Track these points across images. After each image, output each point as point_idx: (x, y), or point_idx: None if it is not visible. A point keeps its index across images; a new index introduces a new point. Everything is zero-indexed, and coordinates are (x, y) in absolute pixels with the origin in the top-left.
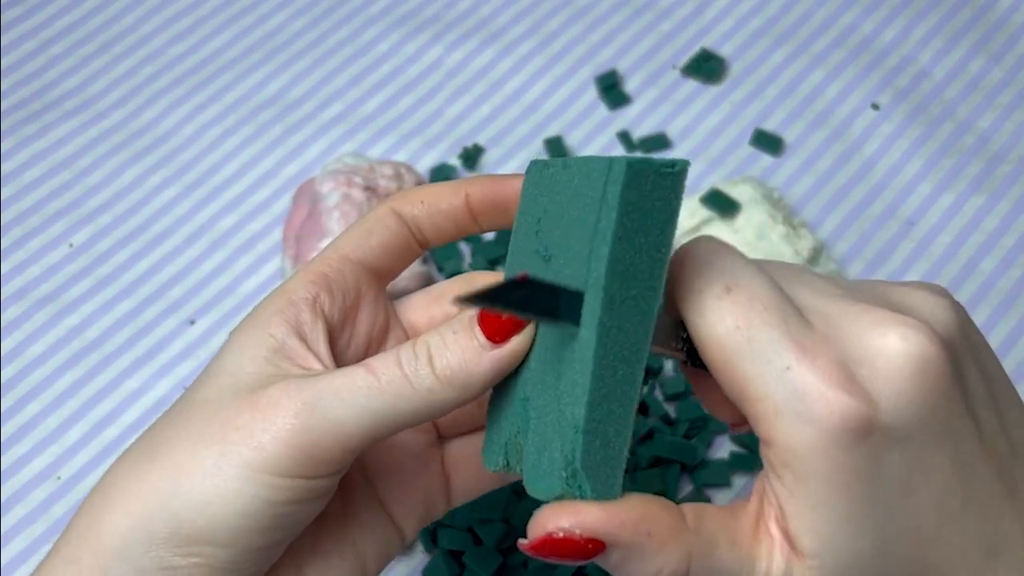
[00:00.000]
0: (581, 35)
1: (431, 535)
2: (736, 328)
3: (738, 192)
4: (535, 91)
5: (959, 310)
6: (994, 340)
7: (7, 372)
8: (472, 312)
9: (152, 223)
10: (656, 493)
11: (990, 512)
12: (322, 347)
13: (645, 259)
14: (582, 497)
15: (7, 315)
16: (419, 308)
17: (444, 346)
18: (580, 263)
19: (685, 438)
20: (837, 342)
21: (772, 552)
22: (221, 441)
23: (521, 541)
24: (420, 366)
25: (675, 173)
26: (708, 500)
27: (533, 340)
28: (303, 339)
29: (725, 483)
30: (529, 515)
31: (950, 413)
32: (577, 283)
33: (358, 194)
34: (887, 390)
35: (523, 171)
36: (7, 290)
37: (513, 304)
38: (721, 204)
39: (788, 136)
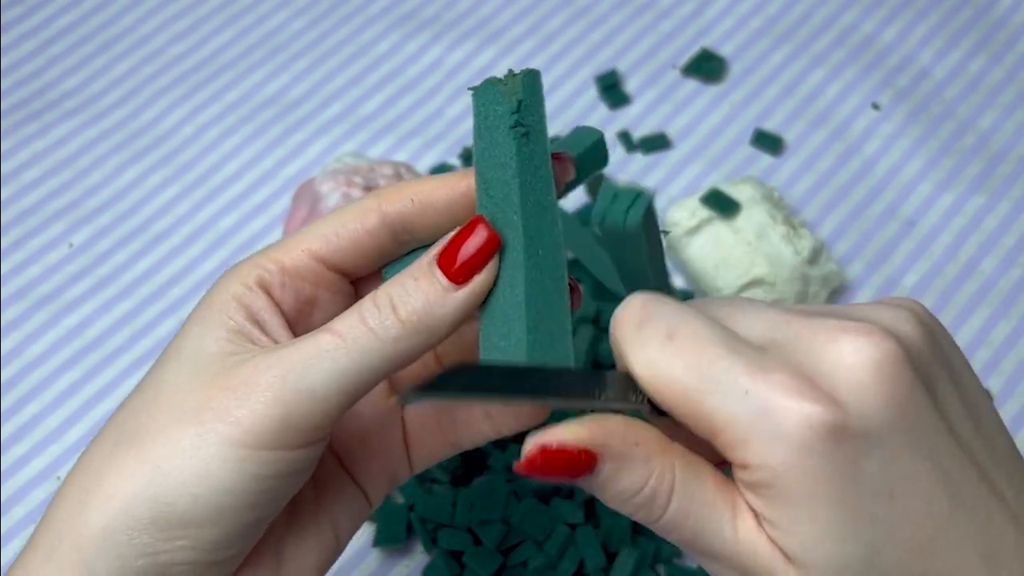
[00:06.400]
0: (581, 35)
1: (431, 535)
2: (686, 369)
3: (738, 192)
4: None
5: (926, 321)
6: (994, 340)
7: (7, 372)
8: (431, 255)
9: (152, 223)
10: None
11: (980, 516)
12: (281, 331)
13: (540, 161)
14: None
15: (7, 315)
16: None
17: (406, 293)
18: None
19: None
20: (791, 359)
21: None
22: (197, 422)
23: (516, 463)
24: (384, 316)
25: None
26: None
27: (496, 275)
28: (260, 325)
29: None
30: (529, 516)
31: (919, 416)
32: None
33: (358, 194)
34: (851, 395)
35: None
36: (7, 290)
37: (458, 390)
38: (721, 204)
39: (788, 136)
